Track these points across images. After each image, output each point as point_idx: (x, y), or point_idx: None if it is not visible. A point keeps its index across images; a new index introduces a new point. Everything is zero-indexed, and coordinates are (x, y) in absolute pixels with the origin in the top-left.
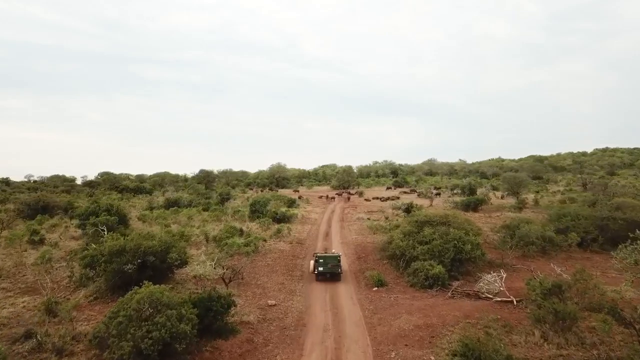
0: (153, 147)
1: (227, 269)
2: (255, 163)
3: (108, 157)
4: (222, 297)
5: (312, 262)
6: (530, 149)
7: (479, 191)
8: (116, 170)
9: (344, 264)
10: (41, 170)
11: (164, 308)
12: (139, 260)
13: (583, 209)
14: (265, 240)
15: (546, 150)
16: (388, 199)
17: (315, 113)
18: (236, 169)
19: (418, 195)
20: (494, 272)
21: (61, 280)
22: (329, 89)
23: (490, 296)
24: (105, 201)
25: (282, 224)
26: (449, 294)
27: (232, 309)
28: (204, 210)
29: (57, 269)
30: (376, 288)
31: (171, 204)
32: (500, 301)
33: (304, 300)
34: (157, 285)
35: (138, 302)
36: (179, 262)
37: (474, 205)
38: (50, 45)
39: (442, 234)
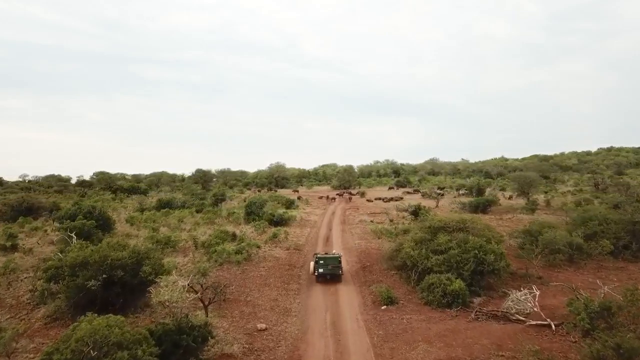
0: (153, 147)
1: (206, 288)
2: (255, 163)
3: (108, 157)
4: (197, 328)
5: (312, 264)
6: (530, 149)
7: (487, 191)
8: (117, 170)
9: (346, 271)
10: (42, 170)
11: (113, 349)
12: (104, 276)
13: (611, 212)
14: (259, 247)
15: (546, 149)
16: (391, 199)
17: (315, 113)
18: (236, 169)
19: (422, 196)
20: (524, 288)
21: (23, 294)
22: (329, 89)
23: (522, 318)
24: (87, 203)
25: (279, 227)
26: (473, 315)
27: (209, 341)
28: (198, 211)
29: (22, 281)
30: (385, 306)
31: (163, 205)
32: (535, 325)
33: (300, 322)
34: (106, 316)
35: (77, 342)
36: (153, 276)
37: (483, 206)
38: (50, 45)
39: (460, 241)
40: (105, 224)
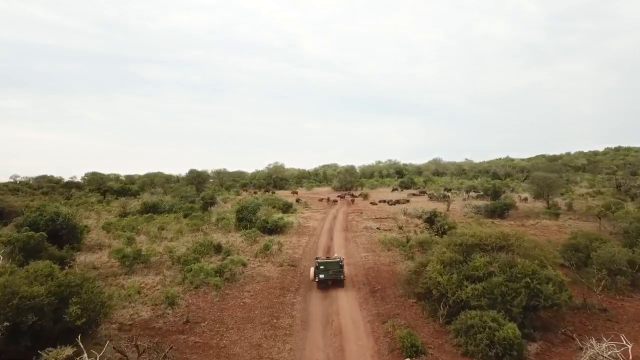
0: (153, 147)
1: (143, 351)
2: (255, 163)
3: (108, 157)
4: None
5: (312, 269)
6: (531, 149)
7: (504, 194)
8: (119, 170)
9: (353, 298)
10: (42, 170)
11: None
12: (5, 323)
13: None
14: (244, 265)
15: (547, 149)
16: (397, 202)
17: (316, 113)
18: (237, 169)
19: (429, 198)
20: (605, 337)
21: None
22: (329, 89)
23: None
24: (51, 208)
25: (274, 235)
26: None
27: None
28: (185, 216)
29: None
30: (408, 359)
31: (148, 209)
32: None
33: None
34: None
35: None
36: (85, 320)
37: (500, 210)
38: (50, 45)
39: (504, 265)
40: (71, 234)
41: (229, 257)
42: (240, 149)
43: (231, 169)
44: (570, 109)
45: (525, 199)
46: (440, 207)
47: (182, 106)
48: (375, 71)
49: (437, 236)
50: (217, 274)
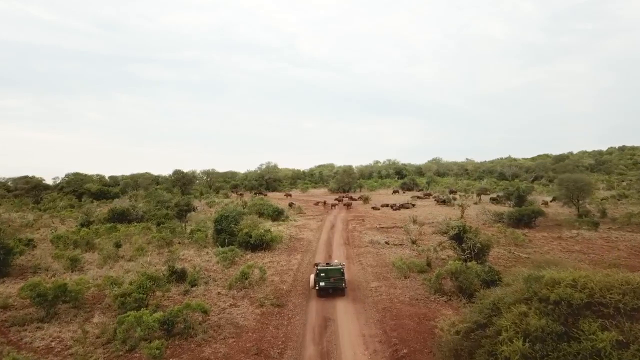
0: (153, 147)
1: None
2: (253, 163)
3: (107, 156)
4: None
5: (312, 276)
6: (530, 148)
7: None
8: (119, 170)
9: None
10: (42, 171)
11: None
12: None
13: None
14: (206, 312)
15: (546, 148)
16: (402, 206)
17: (314, 113)
18: (236, 168)
19: (437, 202)
20: None
21: None
22: (328, 89)
23: None
24: None
25: (259, 252)
26: None
27: None
28: (159, 225)
29: None
30: None
31: (117, 217)
32: None
33: None
34: None
35: None
36: None
37: (527, 219)
38: (49, 45)
39: None
40: None
41: (193, 288)
42: (238, 149)
43: (229, 169)
44: (569, 108)
45: (546, 204)
46: (452, 213)
47: (182, 106)
48: (374, 71)
49: (473, 262)
50: (164, 328)
